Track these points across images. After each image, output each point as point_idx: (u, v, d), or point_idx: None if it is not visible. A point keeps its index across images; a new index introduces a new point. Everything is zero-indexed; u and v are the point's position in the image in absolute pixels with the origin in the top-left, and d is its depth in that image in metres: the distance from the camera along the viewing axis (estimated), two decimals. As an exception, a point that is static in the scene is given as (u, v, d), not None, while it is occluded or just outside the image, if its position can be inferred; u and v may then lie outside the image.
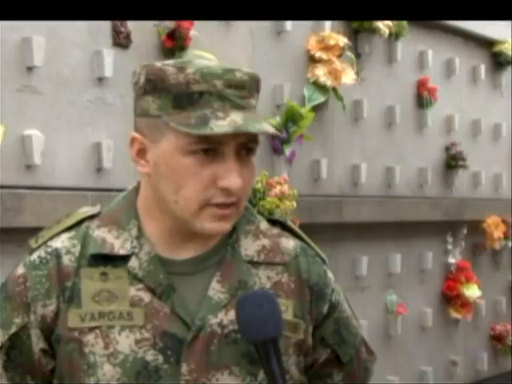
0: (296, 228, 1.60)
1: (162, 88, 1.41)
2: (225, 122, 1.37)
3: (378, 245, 4.81)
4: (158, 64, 1.43)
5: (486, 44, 5.77)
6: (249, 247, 1.51)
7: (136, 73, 1.46)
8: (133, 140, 1.46)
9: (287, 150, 4.05)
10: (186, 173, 1.40)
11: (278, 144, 4.02)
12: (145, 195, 1.49)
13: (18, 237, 2.77)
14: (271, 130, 1.41)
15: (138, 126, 1.45)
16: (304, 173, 4.31)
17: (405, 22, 4.76)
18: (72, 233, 1.50)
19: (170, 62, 1.44)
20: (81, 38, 3.27)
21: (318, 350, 1.55)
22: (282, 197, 3.69)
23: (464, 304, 5.35)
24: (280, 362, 1.38)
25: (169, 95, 1.40)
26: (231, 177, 1.40)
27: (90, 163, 3.29)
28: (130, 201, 1.52)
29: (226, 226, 1.45)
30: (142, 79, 1.43)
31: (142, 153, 1.45)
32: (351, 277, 4.64)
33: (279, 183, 3.74)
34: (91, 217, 1.52)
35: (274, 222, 1.58)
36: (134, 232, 1.48)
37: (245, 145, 1.42)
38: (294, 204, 3.73)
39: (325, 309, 1.54)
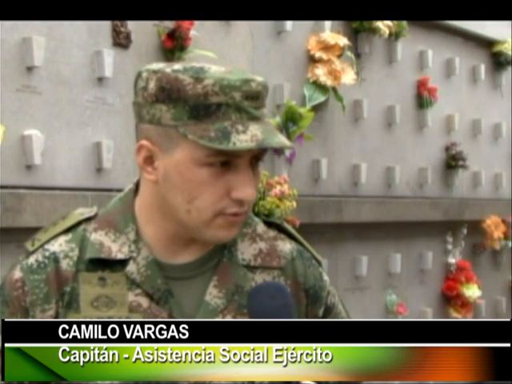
0: (292, 230, 1.59)
1: (178, 98, 1.38)
2: (247, 137, 1.36)
3: (378, 245, 4.82)
4: (169, 70, 1.40)
5: (486, 44, 5.77)
6: (245, 251, 1.50)
7: (143, 77, 1.42)
8: (140, 147, 1.43)
9: (287, 150, 4.05)
10: (200, 184, 1.39)
11: (278, 144, 4.02)
12: (147, 200, 1.47)
13: (17, 237, 2.77)
14: (288, 143, 1.42)
15: (146, 133, 1.42)
16: (304, 173, 4.31)
17: (405, 22, 4.76)
18: (69, 236, 1.49)
19: (180, 67, 1.40)
20: (81, 38, 3.27)
21: None
22: (281, 197, 3.69)
23: (464, 304, 5.35)
24: None
25: (185, 105, 1.38)
26: (245, 188, 1.39)
27: (90, 163, 3.29)
28: (126, 203, 1.50)
29: (235, 232, 1.45)
30: (153, 86, 1.40)
31: (149, 160, 1.43)
32: (351, 277, 4.64)
33: (279, 183, 3.75)
34: (88, 219, 1.50)
35: (270, 224, 1.57)
36: (132, 236, 1.47)
37: (256, 156, 1.42)
38: (294, 204, 3.73)
39: (320, 312, 1.54)
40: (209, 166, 1.38)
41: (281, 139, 1.40)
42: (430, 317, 5.17)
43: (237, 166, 1.39)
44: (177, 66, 1.42)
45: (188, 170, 1.39)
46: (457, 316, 5.33)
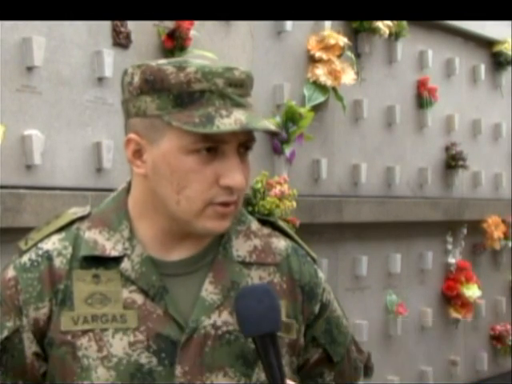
0: (286, 228, 1.60)
1: (162, 88, 1.40)
2: (230, 120, 1.37)
3: (378, 245, 4.81)
4: (153, 63, 1.43)
5: (486, 44, 5.77)
6: (240, 247, 1.50)
7: (128, 73, 1.45)
8: (128, 141, 1.45)
9: (287, 150, 4.05)
10: (188, 172, 1.39)
11: (278, 144, 4.02)
12: (138, 196, 1.48)
13: (17, 237, 2.76)
14: (272, 127, 1.43)
15: (133, 127, 1.44)
16: (304, 173, 4.30)
17: (405, 22, 4.76)
18: (62, 234, 1.49)
19: (164, 61, 1.44)
20: (81, 38, 3.27)
21: (309, 350, 1.56)
22: (281, 197, 3.68)
23: (464, 304, 5.35)
24: (279, 356, 1.36)
25: (169, 95, 1.39)
26: (234, 175, 1.40)
27: (90, 163, 3.29)
28: (120, 201, 1.51)
29: (226, 225, 1.44)
30: (137, 79, 1.42)
31: (137, 153, 1.44)
32: (351, 277, 4.64)
33: (279, 183, 3.74)
34: (81, 218, 1.51)
35: (264, 222, 1.58)
36: (126, 233, 1.47)
37: (244, 143, 1.43)
38: (294, 204, 3.73)
39: (316, 308, 1.54)
40: (195, 153, 1.39)
41: (265, 123, 1.41)
42: (430, 317, 5.17)
43: (224, 152, 1.40)
44: (161, 61, 1.45)
45: (175, 159, 1.40)
46: (457, 316, 5.33)
